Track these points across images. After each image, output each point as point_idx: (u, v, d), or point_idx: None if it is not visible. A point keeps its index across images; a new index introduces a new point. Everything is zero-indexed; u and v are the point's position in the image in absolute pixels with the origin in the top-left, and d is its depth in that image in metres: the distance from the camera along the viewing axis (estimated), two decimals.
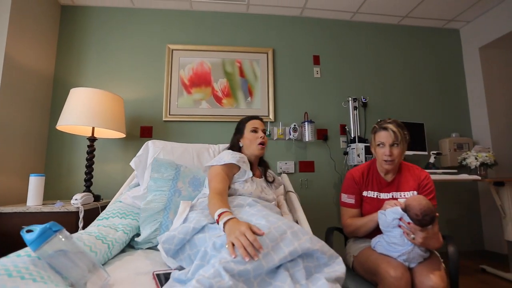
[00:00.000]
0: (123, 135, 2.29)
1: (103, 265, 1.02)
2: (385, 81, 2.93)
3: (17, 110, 2.08)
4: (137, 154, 1.60)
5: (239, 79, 2.70)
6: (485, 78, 2.90)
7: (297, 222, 1.36)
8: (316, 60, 2.84)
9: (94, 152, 2.13)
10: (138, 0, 2.59)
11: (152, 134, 2.55)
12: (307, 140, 2.55)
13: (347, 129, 2.73)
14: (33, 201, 1.77)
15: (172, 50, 2.66)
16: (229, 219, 0.90)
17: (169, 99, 2.59)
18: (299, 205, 1.45)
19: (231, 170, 1.24)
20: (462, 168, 2.56)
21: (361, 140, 2.62)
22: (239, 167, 1.25)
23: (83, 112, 1.93)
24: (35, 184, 1.79)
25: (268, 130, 2.62)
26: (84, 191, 2.01)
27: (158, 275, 0.92)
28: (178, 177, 1.35)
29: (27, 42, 2.18)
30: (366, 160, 2.37)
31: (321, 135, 2.70)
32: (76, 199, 1.78)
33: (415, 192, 1.29)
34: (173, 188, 1.32)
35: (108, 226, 1.18)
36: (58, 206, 1.75)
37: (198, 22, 2.74)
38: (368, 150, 2.39)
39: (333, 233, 1.40)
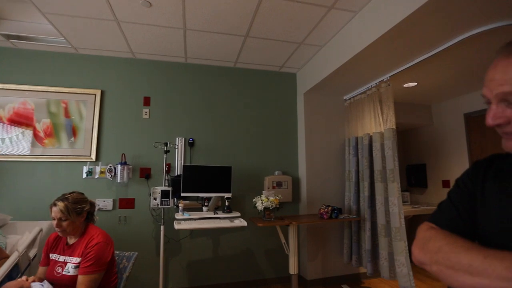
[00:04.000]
0: None
1: None
2: (216, 121, 3.16)
3: None
4: None
5: (63, 120, 2.82)
6: (306, 121, 3.21)
7: None
8: (147, 101, 3.01)
9: None
10: None
11: None
12: (118, 181, 2.72)
13: (166, 170, 2.94)
14: None
15: None
16: None
17: None
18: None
19: None
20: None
21: (178, 177, 2.84)
22: None
23: None
24: None
25: (90, 168, 2.77)
26: None
27: None
28: None
29: None
30: (162, 204, 2.59)
31: (144, 173, 2.90)
32: None
33: (79, 259, 1.48)
34: None
35: None
36: None
37: (23, 61, 2.81)
38: (165, 194, 2.61)
39: None
